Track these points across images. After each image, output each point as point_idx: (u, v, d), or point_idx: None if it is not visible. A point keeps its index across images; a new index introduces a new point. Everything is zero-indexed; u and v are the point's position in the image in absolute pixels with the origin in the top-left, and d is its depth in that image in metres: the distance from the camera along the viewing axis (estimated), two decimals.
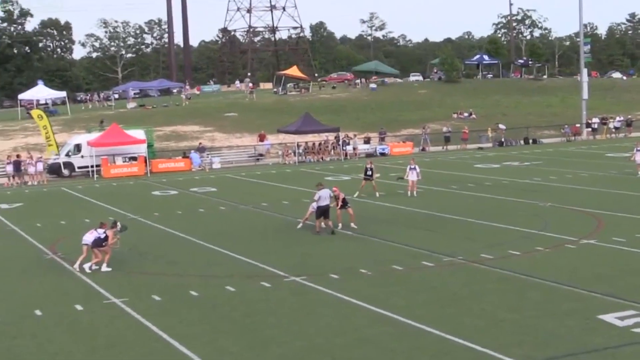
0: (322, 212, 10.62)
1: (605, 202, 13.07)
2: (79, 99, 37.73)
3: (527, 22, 72.03)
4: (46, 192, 18.22)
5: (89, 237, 9.19)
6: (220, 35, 65.09)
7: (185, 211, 14.00)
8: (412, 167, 14.40)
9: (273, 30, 58.39)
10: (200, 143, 24.56)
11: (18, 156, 20.55)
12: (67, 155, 21.37)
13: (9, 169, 19.93)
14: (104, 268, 9.15)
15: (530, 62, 48.22)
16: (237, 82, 45.84)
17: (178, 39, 59.36)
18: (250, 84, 41.31)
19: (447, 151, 25.48)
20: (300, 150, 23.86)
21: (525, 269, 8.48)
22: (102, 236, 9.13)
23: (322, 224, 10.74)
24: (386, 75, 45.78)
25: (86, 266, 9.17)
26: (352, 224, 11.19)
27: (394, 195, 14.50)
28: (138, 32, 68.71)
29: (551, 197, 13.78)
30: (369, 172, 14.04)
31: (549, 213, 12.25)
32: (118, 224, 9.55)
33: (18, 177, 19.80)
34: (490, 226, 11.29)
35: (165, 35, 63.40)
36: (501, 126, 28.01)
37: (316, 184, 11.44)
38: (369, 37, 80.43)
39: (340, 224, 11.23)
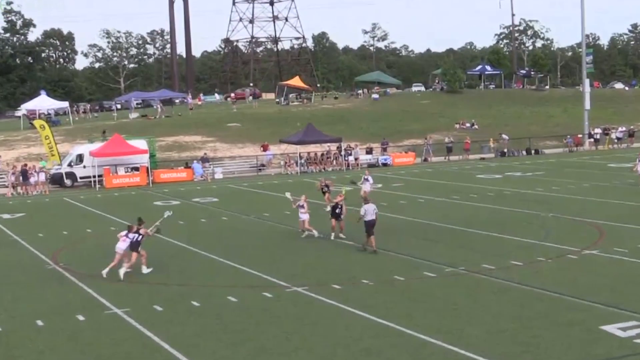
0: (372, 226, 10.20)
1: (608, 212, 13.07)
2: (64, 112, 35.89)
3: (529, 32, 72.40)
4: (48, 202, 18.29)
5: (122, 245, 9.20)
6: (223, 46, 65.75)
7: (187, 221, 14.05)
8: (366, 177, 14.56)
9: (275, 40, 59.05)
10: (205, 153, 24.72)
11: (25, 165, 20.68)
12: (70, 165, 21.46)
13: (13, 178, 20.09)
14: (145, 270, 9.25)
15: (532, 73, 48.34)
16: (216, 94, 44.60)
17: (180, 49, 59.94)
18: (233, 94, 41.25)
19: (450, 161, 25.53)
20: (303, 161, 23.95)
21: (527, 280, 8.47)
22: (139, 238, 9.18)
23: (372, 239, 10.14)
24: (388, 85, 45.95)
25: (121, 271, 9.16)
26: (341, 234, 11.18)
27: (395, 206, 14.52)
28: (140, 42, 69.45)
29: (553, 208, 13.79)
30: (325, 189, 13.65)
31: (551, 223, 12.26)
32: (142, 220, 9.48)
33: (25, 186, 19.91)
34: (492, 236, 11.29)
35: (168, 46, 64.02)
36: (504, 136, 28.02)
37: (363, 199, 10.90)
38: (371, 48, 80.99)
39: (332, 234, 11.21)
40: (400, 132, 30.62)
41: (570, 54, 72.08)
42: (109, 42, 65.54)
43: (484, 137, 28.85)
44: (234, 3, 56.57)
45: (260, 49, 66.19)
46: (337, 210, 11.21)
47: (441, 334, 6.54)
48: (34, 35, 59.45)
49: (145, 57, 70.30)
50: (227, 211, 15.31)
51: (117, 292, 8.60)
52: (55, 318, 7.60)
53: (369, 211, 10.26)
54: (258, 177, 23.15)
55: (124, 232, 9.38)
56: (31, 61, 56.60)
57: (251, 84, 49.26)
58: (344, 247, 10.92)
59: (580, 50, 37.44)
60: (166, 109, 36.91)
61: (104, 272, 9.24)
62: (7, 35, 56.29)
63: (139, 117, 34.48)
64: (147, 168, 21.49)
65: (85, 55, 66.99)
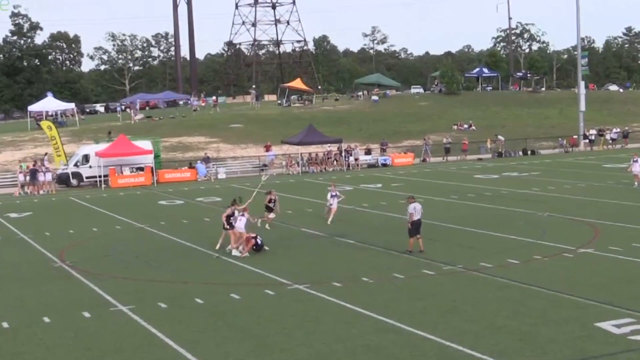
0: (416, 227, 9.87)
1: (602, 212, 13.21)
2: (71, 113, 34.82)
3: (525, 35, 73.08)
4: (55, 202, 18.47)
5: (240, 224, 10.12)
6: (226, 49, 65.84)
7: (190, 220, 14.22)
8: (333, 194, 12.75)
9: (277, 43, 59.20)
10: (205, 153, 24.94)
11: (34, 165, 20.92)
12: (76, 165, 21.71)
13: (21, 178, 20.23)
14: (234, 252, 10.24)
15: (528, 75, 48.55)
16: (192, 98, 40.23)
17: (184, 52, 60.23)
18: (215, 97, 40.82)
19: (448, 162, 25.77)
20: (304, 161, 24.13)
21: (524, 278, 8.61)
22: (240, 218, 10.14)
23: (419, 240, 9.83)
24: (388, 87, 46.28)
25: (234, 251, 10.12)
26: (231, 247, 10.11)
27: (394, 205, 14.68)
28: (145, 45, 70.01)
29: (549, 207, 13.93)
30: (272, 204, 12.41)
31: (547, 223, 12.40)
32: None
33: (34, 185, 20.07)
34: (490, 235, 11.43)
35: (172, 48, 64.44)
36: (500, 137, 28.28)
37: (407, 197, 10.46)
38: (371, 51, 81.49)
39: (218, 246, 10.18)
40: (399, 133, 30.81)
41: (565, 56, 72.57)
42: (114, 45, 66.20)
43: (481, 138, 29.04)
44: (236, 7, 56.74)
45: (263, 51, 66.24)
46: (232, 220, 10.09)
47: (439, 331, 6.65)
48: (40, 38, 60.16)
49: (150, 59, 70.77)
50: None
51: (122, 290, 8.74)
52: (62, 315, 7.73)
53: (417, 210, 9.89)
54: (260, 177, 23.39)
55: (235, 212, 10.14)
56: (38, 63, 57.02)
57: (254, 86, 49.54)
58: (344, 245, 11.07)
59: (575, 52, 38.07)
60: (170, 111, 37.25)
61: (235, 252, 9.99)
62: (15, 38, 56.71)
63: (143, 119, 34.82)
64: (152, 168, 21.72)
65: (91, 57, 67.73)
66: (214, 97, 41.69)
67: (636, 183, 16.51)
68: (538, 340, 6.36)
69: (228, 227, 10.32)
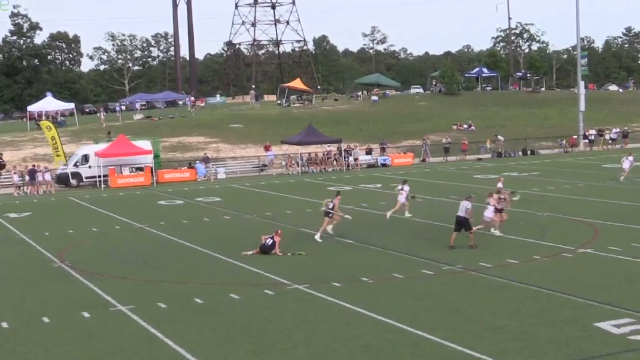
0: (457, 223, 10.21)
1: (602, 212, 13.23)
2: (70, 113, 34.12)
3: (525, 35, 73.04)
4: (54, 202, 18.49)
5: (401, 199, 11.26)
6: (226, 49, 65.93)
7: (190, 220, 14.21)
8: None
9: (277, 43, 59.25)
10: (205, 154, 25.00)
11: (33, 165, 21.00)
12: (75, 165, 21.75)
13: (16, 178, 20.25)
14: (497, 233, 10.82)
15: (528, 75, 48.59)
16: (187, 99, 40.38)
17: (184, 52, 60.39)
18: (192, 98, 40.68)
19: (447, 162, 25.79)
20: (304, 161, 24.18)
21: (524, 278, 8.62)
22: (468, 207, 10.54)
23: (470, 235, 10.14)
24: (387, 87, 46.46)
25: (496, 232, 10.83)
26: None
27: (394, 205, 14.68)
28: (145, 45, 70.01)
29: (549, 207, 13.98)
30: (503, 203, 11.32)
31: (547, 223, 12.42)
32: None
33: (32, 185, 20.10)
34: (489, 235, 11.42)
35: (172, 48, 64.53)
36: (500, 137, 28.32)
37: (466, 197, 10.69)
38: (371, 51, 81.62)
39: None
40: (399, 133, 30.84)
41: (565, 56, 72.83)
42: (114, 45, 66.16)
43: (480, 138, 29.05)
44: (236, 7, 56.72)
45: (262, 51, 66.16)
46: None
47: (439, 331, 6.66)
48: (40, 38, 60.21)
49: (150, 59, 70.69)
50: (230, 210, 15.42)
51: (122, 290, 8.75)
52: (61, 315, 7.74)
53: (460, 207, 10.45)
54: (260, 177, 23.34)
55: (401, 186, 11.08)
56: (37, 63, 57.14)
57: (253, 86, 49.54)
58: (344, 245, 11.09)
59: (575, 52, 38.06)
60: (170, 111, 37.28)
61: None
62: (14, 38, 56.83)
63: (143, 119, 34.80)
64: (152, 168, 21.74)
65: (91, 57, 67.68)
66: (192, 98, 41.25)
67: (622, 177, 17.09)
68: (538, 340, 6.36)
69: (330, 214, 11.08)
